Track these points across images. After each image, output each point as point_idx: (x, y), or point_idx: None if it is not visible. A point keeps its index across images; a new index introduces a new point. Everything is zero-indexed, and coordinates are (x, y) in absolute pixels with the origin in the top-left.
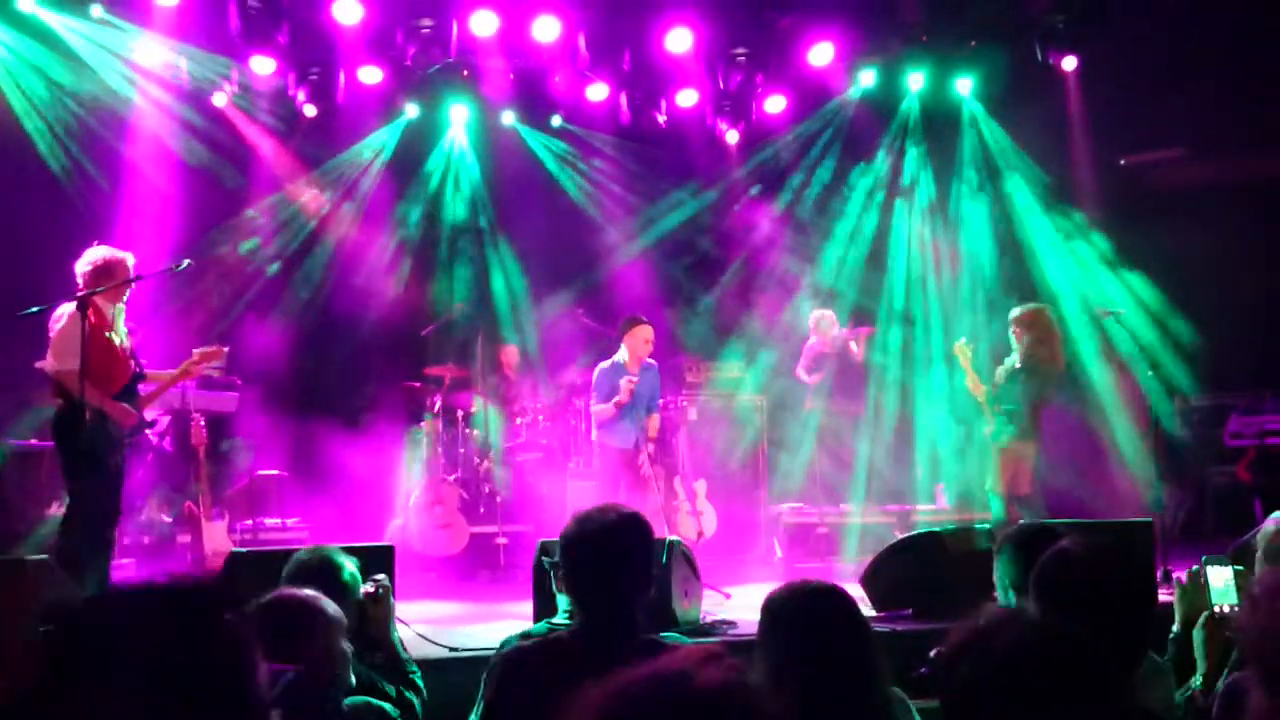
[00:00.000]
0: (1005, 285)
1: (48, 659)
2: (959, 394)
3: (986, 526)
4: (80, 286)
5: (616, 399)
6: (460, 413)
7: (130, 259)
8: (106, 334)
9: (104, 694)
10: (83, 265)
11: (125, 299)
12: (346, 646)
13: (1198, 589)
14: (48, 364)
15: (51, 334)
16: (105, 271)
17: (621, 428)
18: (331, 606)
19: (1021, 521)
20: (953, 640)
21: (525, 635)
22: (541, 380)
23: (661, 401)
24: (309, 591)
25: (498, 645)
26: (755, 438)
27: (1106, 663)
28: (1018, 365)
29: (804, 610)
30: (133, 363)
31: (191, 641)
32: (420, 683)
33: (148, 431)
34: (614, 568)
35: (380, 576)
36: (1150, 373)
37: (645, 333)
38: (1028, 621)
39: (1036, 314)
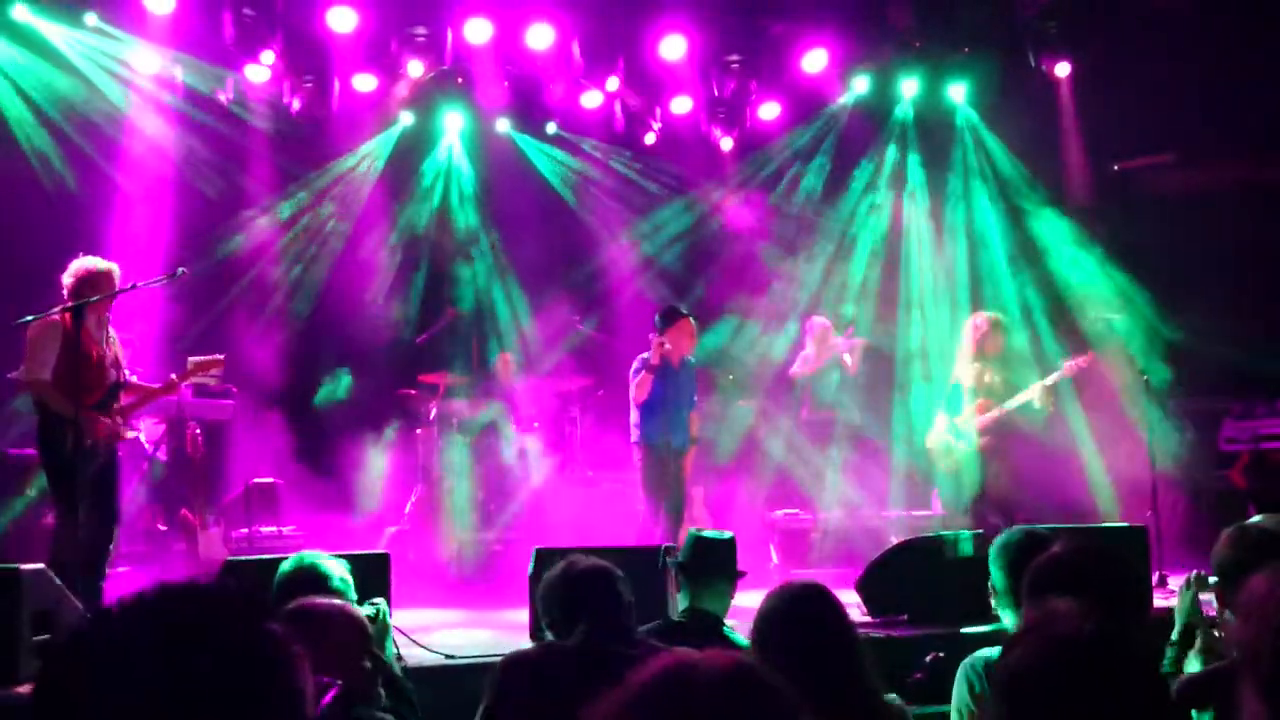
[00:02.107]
0: (998, 289)
1: (76, 663)
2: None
3: (980, 532)
4: (65, 297)
5: (648, 359)
6: (455, 420)
7: (116, 270)
8: (84, 344)
9: (156, 695)
10: (67, 277)
11: (109, 309)
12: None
13: (1197, 594)
14: (20, 373)
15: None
16: (90, 283)
17: (654, 426)
18: (363, 618)
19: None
20: (1016, 632)
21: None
22: (537, 387)
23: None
24: (338, 602)
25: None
26: (749, 443)
27: (1151, 663)
28: (994, 370)
29: (792, 611)
30: (113, 372)
31: (244, 652)
32: (415, 700)
33: (142, 439)
34: (600, 604)
35: (378, 601)
36: (1143, 377)
37: (689, 326)
38: (1084, 616)
39: (994, 321)
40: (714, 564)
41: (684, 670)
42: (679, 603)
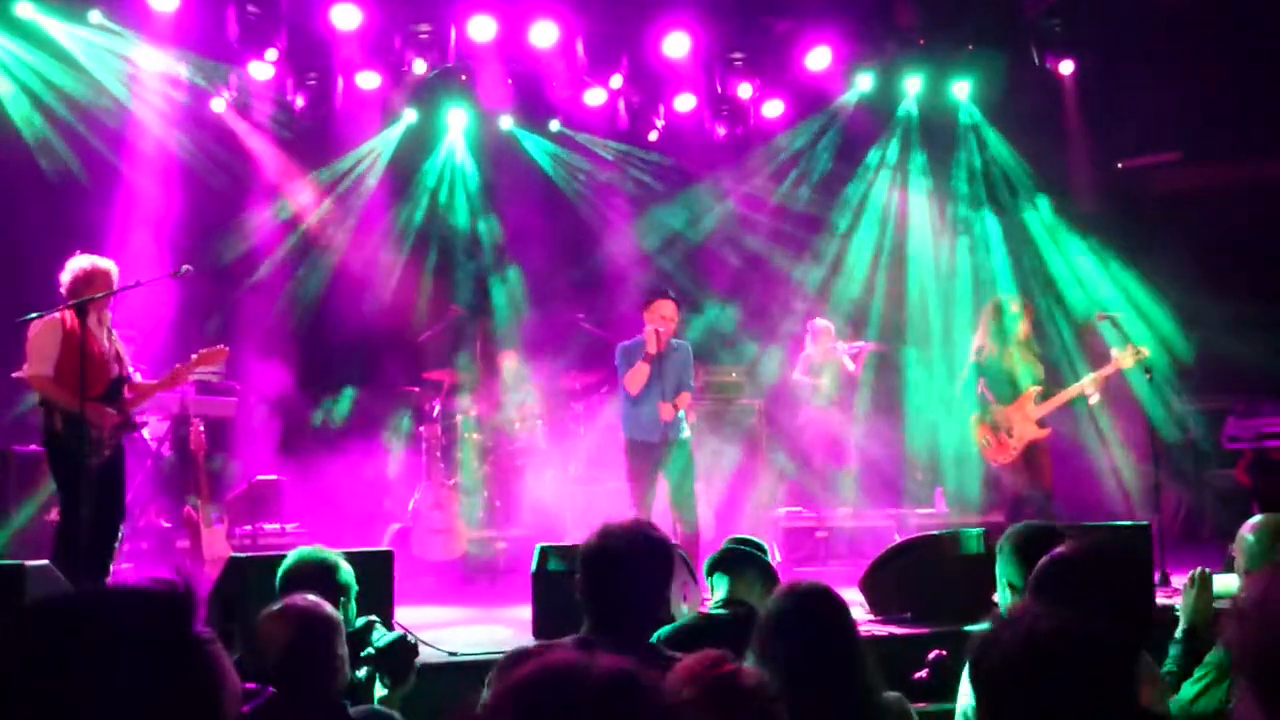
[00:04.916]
0: (1002, 287)
1: (20, 653)
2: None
3: (983, 531)
4: (64, 295)
5: (645, 349)
6: (459, 417)
7: (114, 268)
8: (86, 341)
9: (68, 694)
10: (65, 275)
11: (110, 305)
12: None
13: (1201, 592)
14: (23, 371)
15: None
16: (86, 281)
17: (643, 419)
18: (334, 612)
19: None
20: (978, 637)
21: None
22: (540, 385)
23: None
24: (313, 598)
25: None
26: (753, 441)
27: (1116, 653)
28: (1034, 357)
29: (795, 610)
30: (115, 367)
31: (164, 649)
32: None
33: (146, 436)
34: (629, 587)
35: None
36: (1147, 376)
37: (662, 308)
38: (1042, 614)
39: (1023, 305)
40: (747, 554)
41: (568, 672)
42: (718, 593)
